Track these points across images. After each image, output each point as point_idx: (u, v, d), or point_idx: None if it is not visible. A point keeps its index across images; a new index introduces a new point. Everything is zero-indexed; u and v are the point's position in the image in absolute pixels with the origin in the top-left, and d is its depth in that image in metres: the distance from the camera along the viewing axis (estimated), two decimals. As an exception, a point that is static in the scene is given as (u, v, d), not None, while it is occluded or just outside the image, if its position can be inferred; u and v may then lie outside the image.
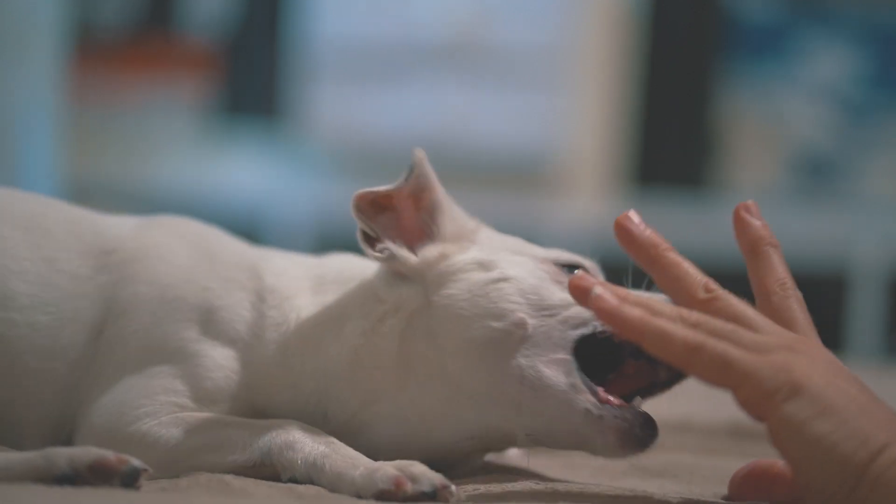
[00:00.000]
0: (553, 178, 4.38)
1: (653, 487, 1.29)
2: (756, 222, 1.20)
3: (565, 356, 1.22)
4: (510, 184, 4.36)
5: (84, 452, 1.12)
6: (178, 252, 1.34)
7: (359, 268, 1.35)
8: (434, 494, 1.13)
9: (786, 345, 1.10)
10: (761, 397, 1.07)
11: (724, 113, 4.53)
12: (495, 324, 1.23)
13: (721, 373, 1.08)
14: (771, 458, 1.19)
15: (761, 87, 4.52)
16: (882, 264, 4.15)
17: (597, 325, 1.21)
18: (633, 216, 1.18)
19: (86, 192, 4.26)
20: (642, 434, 1.20)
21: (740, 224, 1.21)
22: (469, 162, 4.40)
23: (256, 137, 4.87)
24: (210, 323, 1.30)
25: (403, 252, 1.27)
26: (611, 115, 4.54)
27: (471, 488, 1.22)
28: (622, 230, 1.18)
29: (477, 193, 4.46)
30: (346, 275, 1.34)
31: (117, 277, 1.31)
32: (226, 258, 1.35)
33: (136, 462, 1.13)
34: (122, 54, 4.99)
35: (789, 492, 1.18)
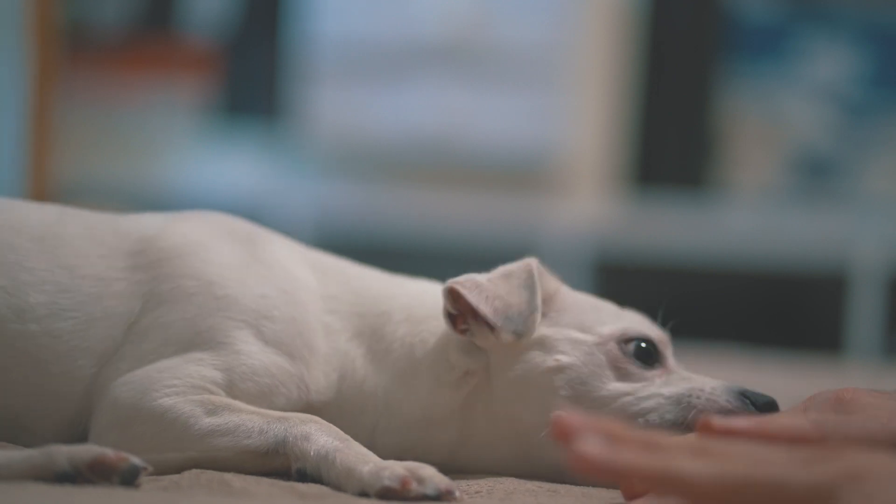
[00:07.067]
0: (553, 177, 4.38)
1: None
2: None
3: None
4: (510, 183, 4.36)
5: (84, 450, 1.13)
6: (221, 250, 1.35)
7: (388, 308, 1.38)
8: (437, 497, 1.14)
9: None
10: None
11: (724, 113, 4.52)
12: (540, 416, 1.29)
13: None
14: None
15: (761, 87, 4.52)
16: (882, 264, 4.15)
17: (645, 420, 1.28)
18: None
19: (86, 193, 4.27)
20: None
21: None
22: (469, 162, 4.40)
23: (256, 137, 4.86)
24: (267, 331, 1.31)
25: (483, 331, 1.31)
26: (611, 115, 4.54)
27: (473, 491, 1.23)
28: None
29: (477, 193, 4.46)
30: (382, 321, 1.37)
31: (154, 274, 1.32)
32: (276, 265, 1.37)
33: (135, 460, 1.14)
34: (122, 54, 4.98)
35: None
